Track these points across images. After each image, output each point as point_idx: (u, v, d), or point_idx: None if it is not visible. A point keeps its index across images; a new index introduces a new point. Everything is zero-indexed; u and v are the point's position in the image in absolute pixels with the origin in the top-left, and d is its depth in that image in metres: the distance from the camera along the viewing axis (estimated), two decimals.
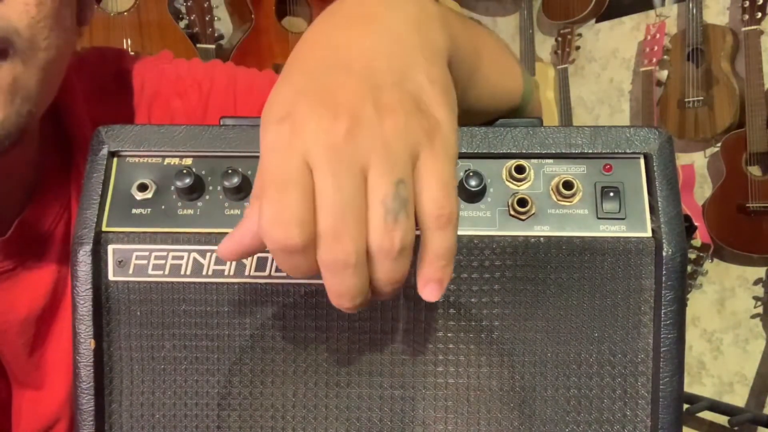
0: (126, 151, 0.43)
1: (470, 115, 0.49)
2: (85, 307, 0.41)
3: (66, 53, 0.53)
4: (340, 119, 0.32)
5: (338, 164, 0.31)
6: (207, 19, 2.31)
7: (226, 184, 0.41)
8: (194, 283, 0.41)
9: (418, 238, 0.33)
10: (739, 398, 2.44)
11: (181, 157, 0.43)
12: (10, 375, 0.63)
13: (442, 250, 0.33)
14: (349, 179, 0.31)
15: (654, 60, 2.43)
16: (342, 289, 0.33)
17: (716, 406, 2.19)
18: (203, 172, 0.42)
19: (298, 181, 0.31)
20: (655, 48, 2.43)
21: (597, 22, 2.75)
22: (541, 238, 0.41)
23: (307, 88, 0.34)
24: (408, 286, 0.41)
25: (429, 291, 0.34)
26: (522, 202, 0.41)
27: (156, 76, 0.68)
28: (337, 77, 0.34)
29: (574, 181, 0.41)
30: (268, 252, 0.33)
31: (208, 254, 0.41)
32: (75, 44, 0.56)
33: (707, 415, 2.36)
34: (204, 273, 0.41)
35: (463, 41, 0.44)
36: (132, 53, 0.71)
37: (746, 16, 2.15)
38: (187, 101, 0.67)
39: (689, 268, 2.34)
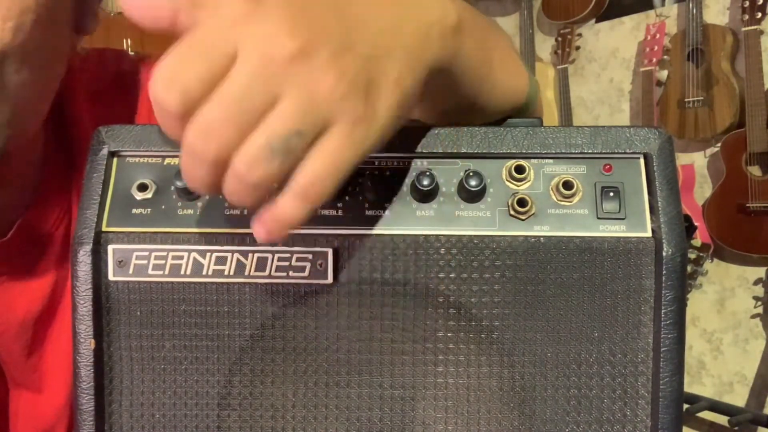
0: (126, 151, 0.43)
1: (476, 116, 0.49)
2: (85, 307, 0.41)
3: (48, 75, 0.52)
4: (295, 39, 0.30)
5: (260, 76, 0.30)
6: None
7: None
8: (194, 283, 0.41)
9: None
10: (739, 398, 2.44)
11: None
12: (8, 376, 0.63)
13: (286, 216, 0.33)
14: (259, 95, 0.30)
15: (654, 60, 2.43)
16: (189, 172, 0.32)
17: (716, 406, 2.20)
18: None
19: (214, 59, 0.30)
20: (655, 48, 2.43)
21: (597, 22, 2.75)
22: (541, 238, 0.41)
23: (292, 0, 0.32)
24: (408, 285, 0.41)
25: (255, 230, 0.34)
26: (522, 202, 0.41)
27: None
28: (324, 12, 0.33)
29: (574, 181, 0.41)
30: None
31: (208, 254, 0.41)
32: (63, 62, 0.54)
33: (707, 415, 2.36)
34: (204, 273, 0.41)
35: (476, 51, 0.43)
36: (132, 53, 0.71)
37: (746, 16, 2.15)
38: None
39: (689, 268, 2.34)
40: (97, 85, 0.64)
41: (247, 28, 0.30)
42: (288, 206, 0.32)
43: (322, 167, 0.32)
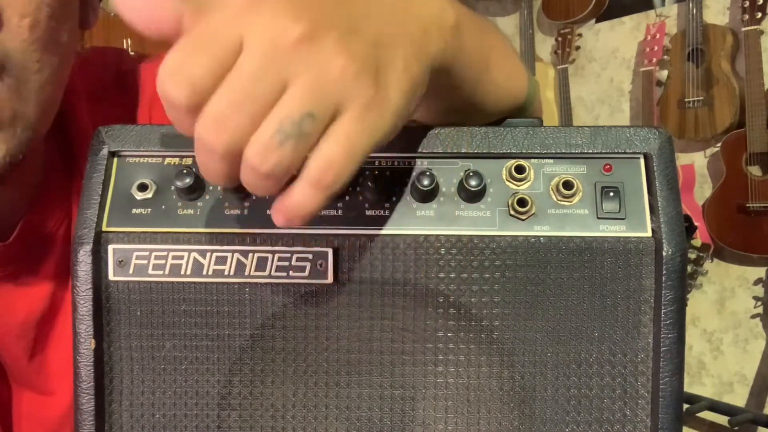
0: (126, 151, 0.43)
1: (475, 116, 0.49)
2: (85, 306, 0.41)
3: (63, 71, 0.52)
4: (299, 24, 0.30)
5: (268, 62, 0.30)
6: None
7: None
8: (194, 283, 0.41)
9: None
10: (739, 398, 2.44)
11: (182, 157, 0.43)
12: (11, 377, 0.63)
13: (301, 205, 0.32)
14: (268, 81, 0.30)
15: (654, 60, 2.43)
16: (204, 166, 0.32)
17: (716, 406, 2.20)
18: None
19: (220, 51, 0.30)
20: (655, 48, 2.43)
21: (597, 22, 2.75)
22: (541, 238, 0.41)
23: None
24: (408, 285, 0.41)
25: (274, 218, 0.33)
26: (522, 202, 0.41)
27: (156, 76, 0.67)
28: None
29: (574, 181, 0.41)
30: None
31: (208, 254, 0.41)
32: (73, 58, 0.54)
33: (707, 415, 2.36)
34: (204, 273, 0.41)
35: (473, 49, 0.43)
36: (132, 53, 0.71)
37: (746, 16, 2.15)
38: None
39: (689, 268, 2.34)
40: (98, 85, 0.64)
41: (251, 17, 0.30)
42: (303, 194, 0.32)
43: (336, 152, 0.31)
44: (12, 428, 0.63)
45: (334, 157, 0.31)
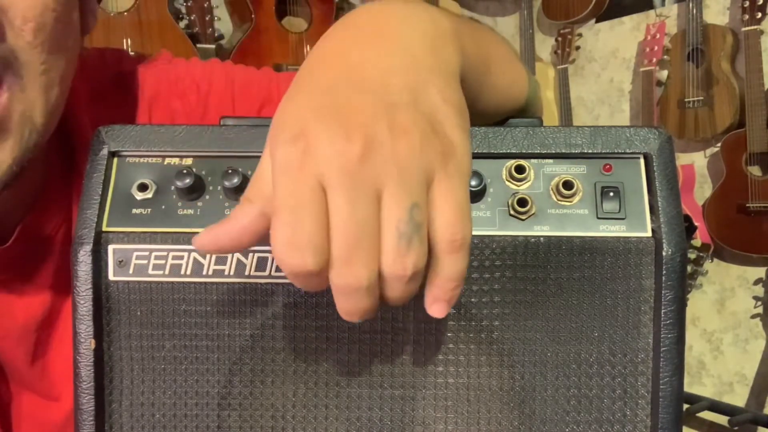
0: (126, 151, 0.43)
1: (478, 119, 0.49)
2: (85, 306, 0.41)
3: (68, 74, 0.53)
4: (354, 140, 0.31)
5: (353, 188, 0.31)
6: (207, 19, 2.31)
7: (226, 184, 0.41)
8: (194, 283, 0.41)
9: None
10: (739, 398, 2.44)
11: (182, 157, 0.43)
12: (11, 380, 0.62)
13: (454, 274, 0.33)
14: (364, 204, 0.31)
15: (654, 60, 2.43)
16: (352, 310, 0.33)
17: (716, 406, 2.20)
18: (203, 172, 0.42)
19: (312, 204, 0.31)
20: (655, 48, 2.43)
21: (597, 22, 2.75)
22: (541, 238, 0.41)
23: (321, 106, 0.33)
24: None
25: (437, 309, 0.34)
26: (522, 202, 0.41)
27: (155, 77, 0.68)
28: (351, 95, 0.33)
29: (574, 181, 0.41)
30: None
31: (208, 254, 0.41)
32: (76, 60, 0.55)
33: (707, 415, 2.36)
34: (204, 273, 0.41)
35: (472, 53, 0.43)
36: (132, 53, 0.71)
37: (746, 16, 2.15)
38: (186, 102, 0.67)
39: (689, 268, 2.34)
40: (97, 86, 0.64)
41: (313, 160, 0.31)
42: (450, 264, 0.33)
43: (451, 214, 0.32)
44: (11, 429, 0.63)
45: (451, 220, 0.32)
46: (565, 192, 0.41)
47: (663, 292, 0.40)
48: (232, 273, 0.41)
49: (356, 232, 0.31)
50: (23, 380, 0.62)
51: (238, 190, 0.41)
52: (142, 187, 0.42)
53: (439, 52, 0.38)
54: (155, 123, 0.65)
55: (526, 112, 0.57)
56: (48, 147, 0.60)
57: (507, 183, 0.42)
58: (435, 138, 0.33)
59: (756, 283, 2.38)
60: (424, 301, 0.34)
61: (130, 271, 0.41)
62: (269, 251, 0.41)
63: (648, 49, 2.45)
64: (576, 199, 0.41)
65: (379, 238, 0.31)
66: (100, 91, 0.64)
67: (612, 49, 2.73)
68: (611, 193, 0.41)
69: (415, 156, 0.32)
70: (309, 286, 0.32)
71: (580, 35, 2.76)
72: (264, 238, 0.33)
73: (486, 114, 0.50)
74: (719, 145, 2.31)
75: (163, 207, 0.42)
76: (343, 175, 0.31)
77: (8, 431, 0.63)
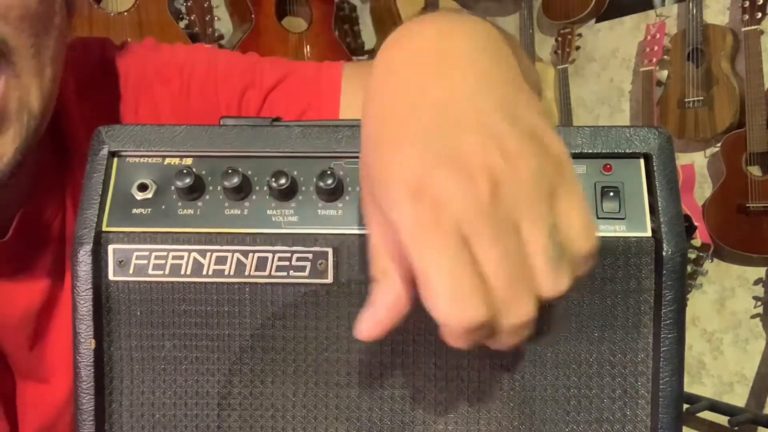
0: (126, 151, 0.43)
1: None
2: (85, 306, 0.41)
3: (59, 54, 0.53)
4: (478, 180, 0.30)
5: (495, 228, 0.30)
6: (207, 19, 2.31)
7: (226, 184, 0.41)
8: (194, 283, 0.41)
9: None
10: (739, 398, 2.43)
11: (182, 157, 0.43)
12: (14, 369, 0.63)
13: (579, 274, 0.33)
14: (510, 240, 0.31)
15: (654, 60, 2.43)
16: (516, 341, 0.33)
17: (716, 406, 2.19)
18: (203, 172, 0.42)
19: (463, 255, 0.30)
20: (655, 48, 2.43)
21: (597, 22, 2.75)
22: None
23: (430, 155, 0.31)
24: None
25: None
26: None
27: (140, 64, 0.68)
28: (454, 136, 0.32)
29: None
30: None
31: (208, 254, 0.41)
32: (67, 40, 0.55)
33: (707, 415, 2.36)
34: (204, 273, 0.41)
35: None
36: (115, 43, 0.71)
37: (746, 16, 2.15)
38: (170, 88, 0.67)
39: (689, 268, 2.34)
40: (84, 75, 0.65)
41: (446, 213, 0.30)
42: (581, 270, 0.33)
43: (581, 226, 0.32)
44: (17, 418, 0.64)
45: (584, 233, 0.32)
46: None
47: (663, 292, 0.40)
48: (232, 273, 0.41)
49: (512, 270, 0.30)
50: (24, 368, 0.63)
51: (238, 190, 0.41)
52: (142, 187, 0.42)
53: (502, 61, 0.37)
54: (142, 111, 0.65)
55: None
56: (42, 141, 0.60)
57: None
58: (545, 153, 0.32)
59: (756, 283, 2.38)
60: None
61: (130, 271, 0.41)
62: (269, 251, 0.41)
63: (648, 49, 2.45)
64: None
65: (529, 271, 0.31)
66: (86, 80, 0.65)
67: (612, 49, 2.73)
68: (611, 193, 0.41)
69: (536, 178, 0.31)
70: (477, 338, 0.32)
71: (580, 35, 2.76)
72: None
73: None
74: (719, 145, 2.31)
75: (163, 207, 0.42)
76: (482, 219, 0.30)
77: (13, 421, 0.63)
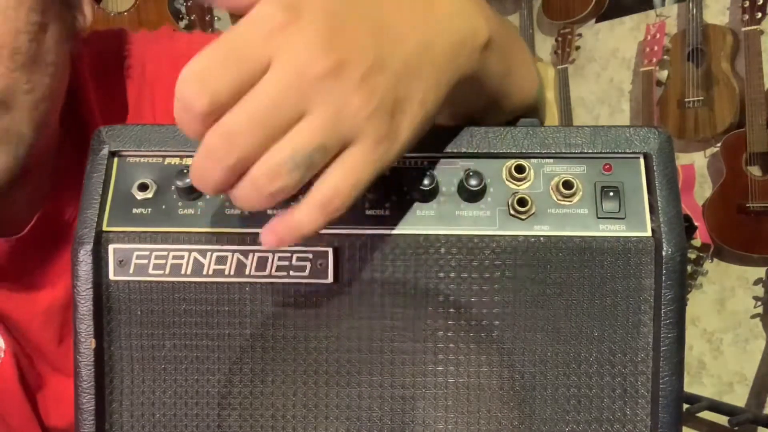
0: (126, 150, 0.43)
1: (492, 118, 0.48)
2: (85, 306, 0.41)
3: (57, 86, 0.53)
4: (328, 56, 0.30)
5: (290, 91, 0.30)
6: (207, 19, 2.32)
7: None
8: (194, 282, 0.41)
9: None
10: (739, 398, 2.44)
11: (182, 156, 0.43)
12: (41, 361, 0.64)
13: (303, 227, 0.33)
14: (286, 109, 0.30)
15: (654, 60, 2.43)
16: (202, 173, 0.32)
17: (716, 406, 2.20)
18: None
19: (247, 69, 0.30)
20: (655, 48, 2.43)
21: (597, 22, 2.75)
22: (541, 238, 0.41)
23: (330, 5, 0.32)
24: (408, 285, 0.41)
25: (266, 238, 0.34)
26: (522, 202, 0.41)
27: (156, 54, 0.68)
28: (361, 23, 0.32)
29: (574, 181, 0.41)
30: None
31: (209, 254, 0.41)
32: (67, 70, 0.55)
33: (707, 415, 2.36)
34: (204, 273, 0.41)
35: (499, 59, 0.43)
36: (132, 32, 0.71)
37: (746, 16, 2.15)
38: None
39: (689, 268, 2.34)
40: (101, 68, 0.65)
41: (283, 39, 0.30)
42: (306, 217, 0.33)
43: (343, 182, 0.32)
44: (39, 411, 0.65)
45: (340, 187, 0.32)
46: (565, 192, 0.41)
47: (663, 291, 0.40)
48: (232, 273, 0.41)
49: (260, 120, 0.30)
50: (52, 362, 0.64)
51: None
52: (143, 187, 0.42)
53: (456, 58, 0.37)
54: (158, 101, 0.65)
55: (535, 110, 0.57)
56: (61, 139, 0.60)
57: (507, 183, 0.42)
58: (387, 119, 0.32)
59: (756, 283, 2.38)
60: (261, 233, 0.34)
61: (131, 271, 0.41)
62: (269, 251, 0.41)
63: (648, 49, 2.45)
64: (576, 198, 0.41)
65: (271, 143, 0.31)
66: (104, 73, 0.65)
67: (612, 49, 2.74)
68: (611, 193, 0.41)
69: (358, 114, 0.31)
70: (183, 122, 0.31)
71: (580, 35, 2.76)
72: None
73: (502, 112, 0.49)
74: (719, 145, 2.31)
75: (164, 207, 0.42)
76: (292, 76, 0.30)
77: (37, 415, 0.64)
